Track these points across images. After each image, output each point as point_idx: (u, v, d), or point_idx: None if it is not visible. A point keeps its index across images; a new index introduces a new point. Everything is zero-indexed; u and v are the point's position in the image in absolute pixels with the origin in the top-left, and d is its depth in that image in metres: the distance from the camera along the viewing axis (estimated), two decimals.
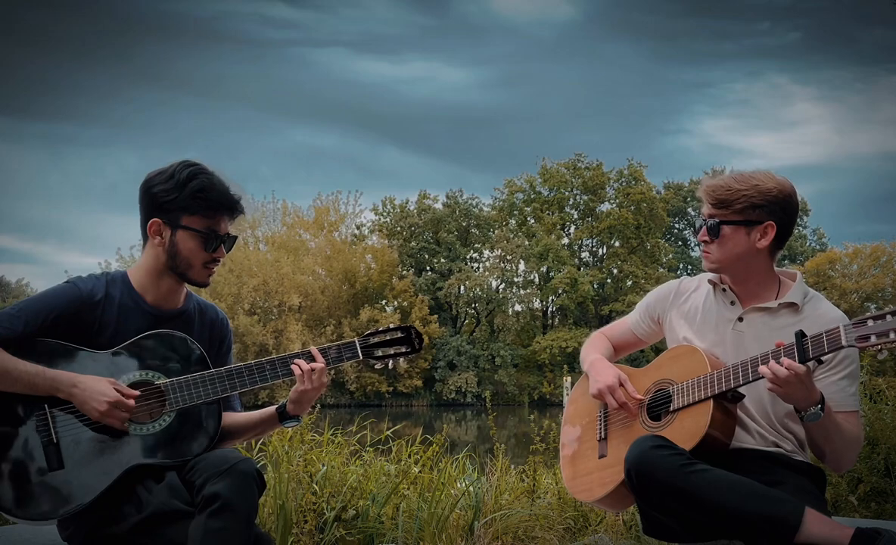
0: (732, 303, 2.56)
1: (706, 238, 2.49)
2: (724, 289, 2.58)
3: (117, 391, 2.26)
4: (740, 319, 2.53)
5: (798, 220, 2.64)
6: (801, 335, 2.24)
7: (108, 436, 2.28)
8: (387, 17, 69.15)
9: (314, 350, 2.46)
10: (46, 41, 61.53)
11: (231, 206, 2.41)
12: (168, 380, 2.35)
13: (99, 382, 2.26)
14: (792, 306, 2.49)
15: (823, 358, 2.27)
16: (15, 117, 67.70)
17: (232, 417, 2.55)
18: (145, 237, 2.43)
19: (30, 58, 61.54)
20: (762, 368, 2.26)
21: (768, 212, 2.43)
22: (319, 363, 2.44)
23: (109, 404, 2.23)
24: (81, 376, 2.27)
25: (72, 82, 64.58)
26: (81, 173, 71.56)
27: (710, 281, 2.64)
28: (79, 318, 2.33)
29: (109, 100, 63.58)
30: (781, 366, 2.22)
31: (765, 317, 2.51)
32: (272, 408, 2.57)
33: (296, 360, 2.44)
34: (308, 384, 2.43)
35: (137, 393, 2.30)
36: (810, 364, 2.26)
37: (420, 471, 5.04)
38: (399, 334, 2.58)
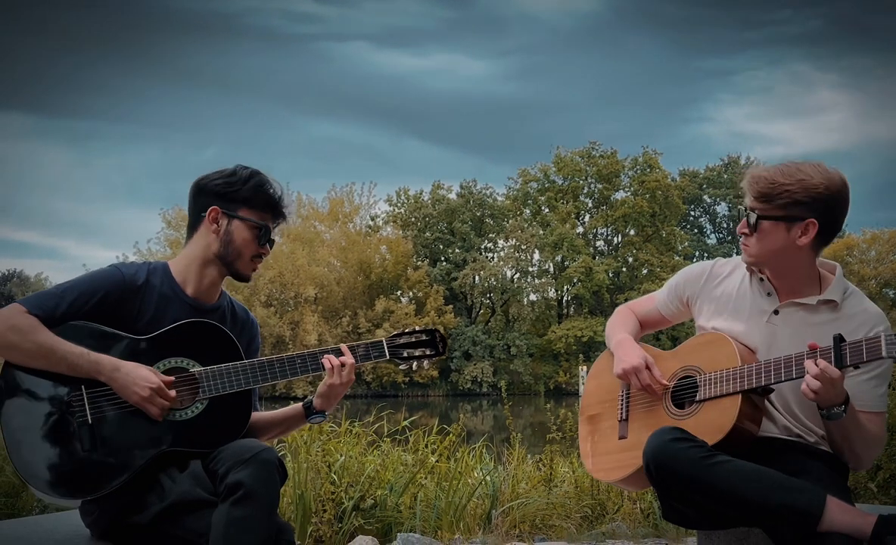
0: (769, 294, 2.45)
1: (745, 230, 2.39)
2: (761, 279, 2.47)
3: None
4: (776, 313, 2.43)
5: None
6: (839, 339, 2.17)
7: (142, 420, 2.31)
8: (409, 10, 69.15)
9: (344, 347, 2.51)
10: (71, 39, 62.01)
11: (282, 209, 2.53)
12: (202, 368, 2.37)
13: (141, 368, 2.29)
14: (831, 303, 2.41)
15: (860, 366, 2.21)
16: (39, 114, 68.37)
17: (256, 415, 2.57)
18: (193, 228, 2.48)
19: (54, 55, 62.05)
20: (807, 362, 2.18)
21: (811, 209, 2.31)
22: (349, 359, 2.48)
23: (152, 390, 2.27)
24: (123, 361, 2.30)
25: (95, 79, 65.06)
26: (104, 169, 72.12)
27: (748, 267, 2.53)
28: (120, 303, 2.35)
29: (132, 96, 64.08)
30: (818, 367, 2.15)
31: (802, 312, 2.41)
32: (298, 405, 2.61)
33: (326, 355, 2.48)
34: (337, 378, 2.48)
35: (174, 379, 2.33)
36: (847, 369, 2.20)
37: (437, 461, 5.07)
38: (424, 337, 2.61)
